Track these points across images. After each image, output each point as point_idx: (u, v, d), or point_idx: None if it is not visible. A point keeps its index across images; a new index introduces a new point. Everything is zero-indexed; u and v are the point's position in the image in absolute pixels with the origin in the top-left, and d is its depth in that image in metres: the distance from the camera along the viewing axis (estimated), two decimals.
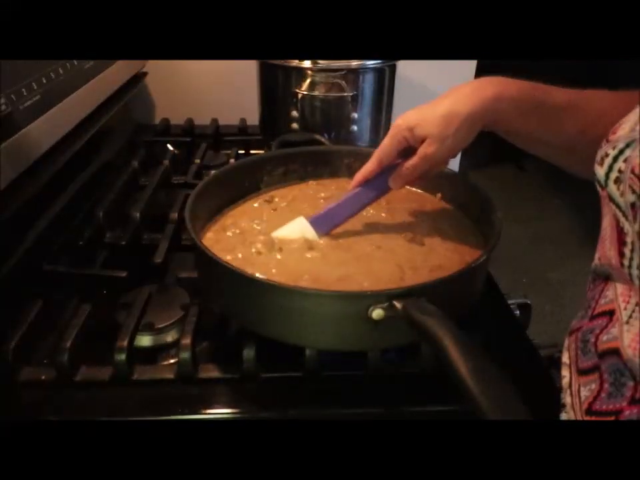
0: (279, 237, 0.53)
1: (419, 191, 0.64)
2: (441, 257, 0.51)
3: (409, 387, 0.47)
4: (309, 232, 0.53)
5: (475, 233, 0.56)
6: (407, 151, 0.52)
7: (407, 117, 0.52)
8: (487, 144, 0.60)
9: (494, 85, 0.49)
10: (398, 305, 0.39)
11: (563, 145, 0.51)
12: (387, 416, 0.46)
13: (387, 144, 0.53)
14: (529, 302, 0.60)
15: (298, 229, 0.53)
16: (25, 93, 0.54)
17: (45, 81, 0.59)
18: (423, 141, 0.51)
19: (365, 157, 0.66)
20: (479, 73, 1.09)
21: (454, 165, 1.22)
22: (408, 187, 0.64)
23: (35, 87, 0.56)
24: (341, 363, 0.49)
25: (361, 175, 0.55)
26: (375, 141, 0.91)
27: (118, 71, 0.84)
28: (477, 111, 0.48)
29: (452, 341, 0.35)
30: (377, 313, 0.40)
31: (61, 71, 0.63)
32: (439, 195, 0.62)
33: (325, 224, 0.54)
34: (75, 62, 0.67)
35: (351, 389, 0.47)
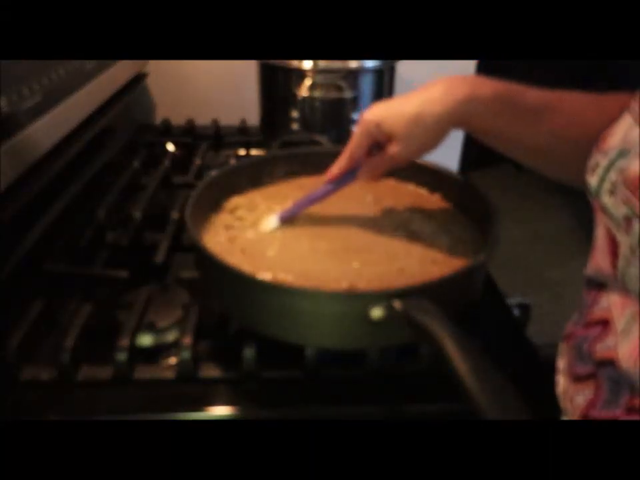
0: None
1: (419, 190, 0.64)
2: (440, 257, 0.51)
3: (409, 386, 0.48)
4: (272, 223, 0.55)
5: (474, 232, 0.56)
6: (377, 144, 0.51)
7: (375, 111, 0.50)
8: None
9: (467, 85, 0.47)
10: (398, 304, 0.39)
11: (536, 147, 0.50)
12: (387, 415, 0.46)
13: (357, 140, 0.51)
14: (528, 302, 0.60)
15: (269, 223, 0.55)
16: (25, 94, 0.54)
17: (46, 82, 0.59)
18: (389, 137, 0.50)
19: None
20: (479, 72, 1.09)
21: (453, 164, 1.22)
22: (408, 186, 0.64)
23: (36, 88, 0.57)
24: (340, 363, 0.49)
25: (335, 169, 0.54)
26: None
27: (119, 72, 0.84)
28: (447, 112, 0.47)
29: (452, 340, 0.35)
30: (376, 313, 0.40)
31: (61, 71, 0.63)
32: (438, 194, 0.62)
33: (290, 214, 0.56)
34: (76, 62, 0.68)
35: (351, 388, 0.47)
